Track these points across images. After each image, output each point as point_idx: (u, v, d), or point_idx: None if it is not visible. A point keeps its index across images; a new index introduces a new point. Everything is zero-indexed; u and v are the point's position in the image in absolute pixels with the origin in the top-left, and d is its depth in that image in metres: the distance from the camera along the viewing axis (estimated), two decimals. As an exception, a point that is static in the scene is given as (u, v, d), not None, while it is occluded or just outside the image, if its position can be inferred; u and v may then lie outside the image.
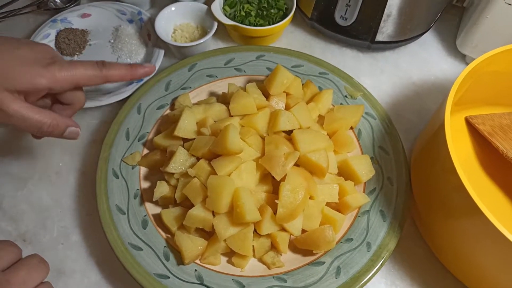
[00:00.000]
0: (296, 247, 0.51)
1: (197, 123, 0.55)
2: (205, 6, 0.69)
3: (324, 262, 0.49)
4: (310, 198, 0.50)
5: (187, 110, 0.54)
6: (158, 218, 0.52)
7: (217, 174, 0.48)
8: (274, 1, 0.70)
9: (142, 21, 0.71)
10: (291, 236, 0.50)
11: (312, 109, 0.57)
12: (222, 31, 0.73)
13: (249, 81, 0.62)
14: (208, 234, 0.50)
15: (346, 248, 0.50)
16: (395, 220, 0.51)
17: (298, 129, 0.53)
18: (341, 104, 0.61)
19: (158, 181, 0.52)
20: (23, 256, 0.42)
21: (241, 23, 0.68)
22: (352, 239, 0.51)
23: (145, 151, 0.57)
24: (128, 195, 0.53)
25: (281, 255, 0.50)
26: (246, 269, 0.49)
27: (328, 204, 0.51)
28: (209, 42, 0.70)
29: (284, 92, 0.58)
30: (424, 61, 0.72)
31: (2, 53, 0.45)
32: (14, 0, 0.76)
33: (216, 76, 0.63)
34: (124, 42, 0.69)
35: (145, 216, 0.52)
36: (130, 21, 0.72)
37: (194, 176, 0.49)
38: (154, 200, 0.51)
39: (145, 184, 0.55)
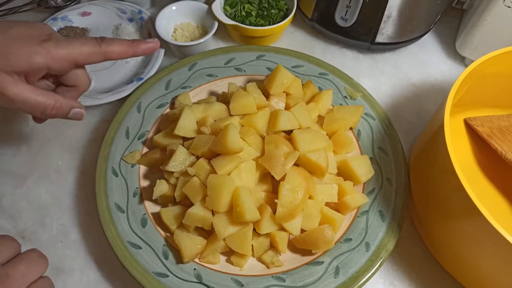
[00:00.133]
0: (295, 246, 0.51)
1: (197, 122, 0.55)
2: (206, 6, 0.69)
3: (323, 262, 0.49)
4: (310, 198, 0.50)
5: (187, 109, 0.54)
6: (157, 217, 0.52)
7: (216, 173, 0.48)
8: (275, 2, 0.70)
9: (142, 20, 0.71)
10: (290, 235, 0.50)
11: (312, 109, 0.57)
12: (223, 31, 0.73)
13: (249, 81, 0.62)
14: (208, 233, 0.50)
15: (345, 248, 0.50)
16: (394, 221, 0.51)
17: (298, 129, 0.54)
18: (340, 104, 0.61)
19: (157, 180, 0.52)
20: (22, 251, 0.42)
21: (242, 23, 0.68)
22: (351, 239, 0.51)
23: (145, 149, 0.57)
24: (128, 193, 0.53)
25: (280, 254, 0.50)
26: (245, 268, 0.49)
27: (327, 204, 0.51)
28: (210, 42, 0.70)
29: (284, 92, 0.59)
30: (423, 62, 0.72)
31: None
32: (15, -2, 0.77)
33: (216, 76, 0.63)
34: (125, 41, 0.69)
35: (144, 214, 0.52)
36: (131, 20, 0.72)
37: (194, 175, 0.49)
38: (153, 198, 0.51)
39: (144, 183, 0.55)
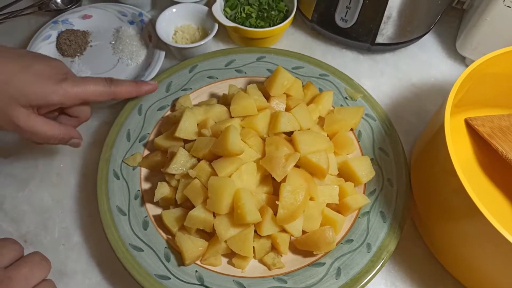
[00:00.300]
0: (296, 248, 0.51)
1: (197, 124, 0.55)
2: (206, 8, 0.69)
3: (324, 263, 0.49)
4: (311, 199, 0.50)
5: (188, 111, 0.55)
6: (159, 219, 0.52)
7: (217, 175, 0.48)
8: (275, 3, 0.70)
9: (143, 22, 0.72)
10: (292, 237, 0.50)
11: (312, 111, 0.57)
12: (223, 33, 0.73)
13: (249, 83, 0.62)
14: (209, 235, 0.50)
15: (346, 249, 0.50)
16: (395, 221, 0.51)
17: (299, 130, 0.54)
18: (341, 105, 0.61)
19: (159, 182, 0.52)
20: (24, 254, 0.42)
21: (242, 24, 0.68)
22: (352, 240, 0.51)
23: (146, 152, 0.58)
24: (129, 196, 0.53)
25: (281, 256, 0.50)
26: (246, 270, 0.50)
27: (328, 205, 0.51)
28: (210, 44, 0.70)
29: (284, 93, 0.59)
30: (424, 63, 0.72)
31: (20, 70, 0.46)
32: (16, 1, 0.77)
33: (217, 78, 0.64)
34: (125, 43, 0.69)
35: (146, 217, 0.52)
36: (131, 23, 0.73)
37: (195, 177, 0.50)
38: (155, 201, 0.51)
39: (146, 185, 0.55)
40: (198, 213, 0.48)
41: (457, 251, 0.47)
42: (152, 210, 0.53)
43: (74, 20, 0.72)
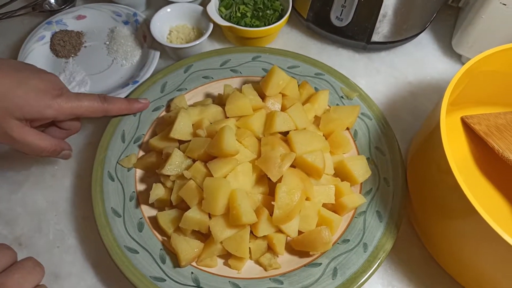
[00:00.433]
0: (292, 248, 0.50)
1: (193, 124, 0.55)
2: (201, 7, 0.69)
3: (320, 264, 0.49)
4: (307, 199, 0.50)
5: (183, 112, 0.54)
6: (154, 221, 0.52)
7: (213, 176, 0.48)
8: (270, 2, 0.70)
9: (137, 22, 0.71)
10: (288, 237, 0.50)
11: (308, 110, 0.57)
12: (218, 32, 0.73)
13: (245, 82, 0.62)
14: (205, 236, 0.50)
15: (342, 249, 0.50)
16: (391, 221, 0.51)
17: (294, 130, 0.53)
18: (337, 104, 0.61)
19: (154, 184, 0.52)
20: (18, 259, 0.42)
21: (237, 24, 0.67)
22: (348, 240, 0.51)
23: (141, 153, 0.57)
24: (124, 197, 0.53)
25: (277, 256, 0.50)
26: (242, 271, 0.49)
27: (324, 205, 0.51)
28: (205, 43, 0.70)
29: (280, 93, 0.58)
30: (419, 61, 0.72)
31: (16, 84, 0.47)
32: (9, 2, 0.76)
33: (212, 78, 0.63)
34: (120, 43, 0.69)
35: (141, 218, 0.52)
36: (126, 23, 0.72)
37: (190, 178, 0.49)
38: (150, 202, 0.51)
39: (141, 187, 0.55)
40: (194, 214, 0.48)
41: (453, 250, 0.47)
42: (147, 211, 0.53)
43: (68, 20, 0.72)
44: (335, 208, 0.52)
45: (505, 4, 0.58)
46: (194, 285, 0.48)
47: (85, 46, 0.71)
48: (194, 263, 0.49)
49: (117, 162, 0.55)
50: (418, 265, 0.53)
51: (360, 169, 0.54)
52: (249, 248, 0.49)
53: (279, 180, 0.48)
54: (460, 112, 0.60)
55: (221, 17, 0.68)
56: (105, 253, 0.49)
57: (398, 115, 0.65)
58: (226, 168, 0.48)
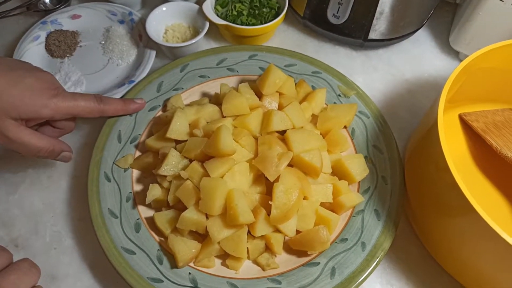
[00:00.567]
0: (290, 248, 0.50)
1: (189, 124, 0.54)
2: (197, 6, 0.68)
3: (319, 263, 0.49)
4: (304, 198, 0.49)
5: (179, 111, 0.54)
6: (151, 221, 0.51)
7: (210, 176, 0.48)
8: (266, 0, 0.70)
9: (133, 21, 0.71)
10: (286, 237, 0.50)
11: (305, 109, 0.57)
12: (214, 31, 0.72)
13: (241, 81, 0.61)
14: (202, 236, 0.50)
15: (341, 248, 0.50)
16: (389, 219, 0.51)
17: (291, 129, 0.53)
18: (334, 103, 0.61)
19: (150, 184, 0.51)
20: (14, 261, 0.41)
21: (233, 22, 0.67)
22: (346, 239, 0.50)
23: (138, 153, 0.57)
24: (121, 198, 0.53)
25: (275, 256, 0.50)
26: (240, 271, 0.49)
27: (322, 204, 0.51)
28: (201, 42, 0.70)
29: (277, 91, 0.58)
30: (417, 58, 0.71)
31: (11, 84, 0.47)
32: (3, 1, 0.76)
33: (209, 77, 0.63)
34: (115, 43, 0.69)
35: (138, 219, 0.52)
36: (121, 22, 0.72)
37: (187, 178, 0.49)
38: (146, 203, 0.51)
39: (137, 187, 0.55)
40: (191, 215, 0.47)
41: (452, 248, 0.47)
42: (144, 212, 0.53)
43: (63, 20, 0.71)
44: (333, 207, 0.52)
45: (502, 1, 0.58)
46: (191, 285, 0.47)
47: (80, 46, 0.70)
48: (191, 264, 0.49)
49: (113, 162, 0.55)
50: (416, 263, 0.53)
51: (358, 168, 0.54)
52: (247, 248, 0.49)
53: (277, 180, 0.48)
54: (458, 109, 0.60)
55: (217, 15, 0.67)
56: (102, 254, 0.49)
57: (396, 112, 0.65)
58: (223, 168, 0.48)
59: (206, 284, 0.48)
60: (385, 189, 0.53)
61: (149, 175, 0.55)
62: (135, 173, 0.55)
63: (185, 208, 0.48)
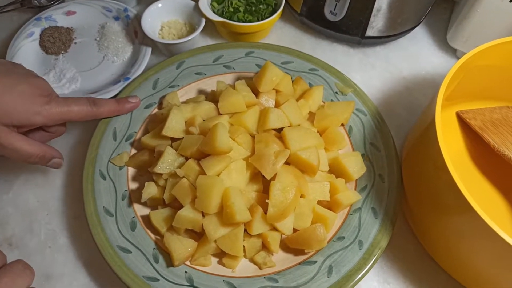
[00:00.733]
0: (287, 246, 0.50)
1: (185, 122, 0.54)
2: (193, 2, 0.68)
3: (315, 261, 0.49)
4: (301, 196, 0.49)
5: (175, 109, 0.53)
6: (147, 220, 0.51)
7: (206, 174, 0.47)
8: (263, -3, 0.69)
9: (128, 18, 0.70)
10: (282, 235, 0.49)
11: (302, 106, 0.56)
12: (211, 28, 0.72)
13: (238, 78, 0.61)
14: (198, 235, 0.49)
15: (338, 246, 0.49)
16: (386, 218, 0.51)
17: (288, 126, 0.53)
18: (331, 100, 0.60)
19: (146, 182, 0.51)
20: (9, 260, 0.41)
21: (230, 19, 0.67)
22: (344, 238, 0.50)
23: (133, 151, 0.56)
24: (116, 196, 0.52)
25: (272, 255, 0.50)
26: (237, 269, 0.49)
27: (319, 202, 0.51)
28: (197, 39, 0.69)
29: (273, 89, 0.58)
30: (414, 55, 0.71)
31: (4, 90, 0.47)
32: (-3, -2, 0.75)
33: (205, 74, 0.62)
34: (111, 39, 0.68)
35: (133, 217, 0.51)
36: (116, 18, 0.71)
37: (183, 177, 0.49)
38: (142, 201, 0.50)
39: (133, 185, 0.54)
40: (187, 213, 0.47)
41: (449, 246, 0.46)
42: (140, 210, 0.52)
43: (58, 16, 0.71)
44: (330, 205, 0.52)
45: (500, -2, 0.58)
46: (188, 284, 0.47)
47: (75, 43, 0.69)
48: (187, 262, 0.49)
49: (108, 160, 0.54)
50: (413, 261, 0.52)
51: (355, 166, 0.53)
52: (244, 246, 0.48)
53: (273, 178, 0.48)
54: (455, 107, 0.59)
55: (214, 12, 0.67)
56: (97, 253, 0.49)
57: (393, 110, 0.65)
58: (220, 166, 0.48)
59: (202, 282, 0.47)
60: (382, 187, 0.53)
61: (144, 173, 0.54)
62: (131, 171, 0.55)
63: (181, 206, 0.48)
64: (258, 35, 0.70)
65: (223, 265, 0.49)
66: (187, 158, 0.50)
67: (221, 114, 0.54)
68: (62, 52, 0.68)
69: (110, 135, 0.56)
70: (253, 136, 0.52)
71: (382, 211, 0.51)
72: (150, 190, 0.50)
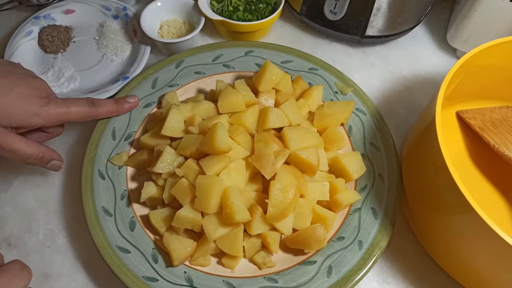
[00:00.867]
0: (287, 246, 0.50)
1: (184, 121, 0.54)
2: (192, 1, 0.67)
3: (315, 262, 0.48)
4: (301, 196, 0.49)
5: (175, 108, 0.53)
6: (146, 220, 0.51)
7: (205, 174, 0.47)
8: (263, -4, 0.69)
9: (127, 17, 0.70)
10: (282, 235, 0.49)
11: (302, 106, 0.56)
12: (210, 27, 0.71)
13: (237, 78, 0.61)
14: (198, 235, 0.49)
15: (337, 246, 0.49)
16: (386, 218, 0.51)
17: (288, 126, 0.53)
18: (331, 100, 0.60)
19: (145, 182, 0.51)
20: (7, 260, 0.41)
21: (229, 18, 0.66)
22: (343, 238, 0.50)
23: (132, 150, 0.56)
24: (115, 196, 0.52)
25: (272, 255, 0.50)
26: (236, 270, 0.49)
27: (319, 202, 0.51)
28: (197, 38, 0.69)
29: (273, 88, 0.57)
30: (414, 55, 0.71)
31: (2, 92, 0.47)
32: (-5, -4, 0.74)
33: (204, 73, 0.62)
34: (110, 38, 0.68)
35: (132, 217, 0.51)
36: (115, 17, 0.71)
37: (182, 176, 0.48)
38: (141, 201, 0.50)
39: (132, 185, 0.54)
40: (186, 213, 0.47)
41: (449, 246, 0.46)
42: (139, 210, 0.52)
43: (56, 15, 0.70)
44: (330, 205, 0.51)
45: (501, -3, 0.58)
46: (187, 284, 0.47)
47: (74, 41, 0.69)
48: (187, 263, 0.48)
49: (107, 160, 0.54)
50: (413, 261, 0.52)
51: (355, 166, 0.53)
52: (243, 246, 0.48)
53: (273, 178, 0.48)
54: (455, 107, 0.59)
55: (213, 11, 0.67)
56: (96, 253, 0.48)
57: (393, 109, 0.65)
58: (219, 165, 0.47)
59: (201, 283, 0.47)
60: (382, 187, 0.53)
61: (144, 172, 0.54)
62: (130, 170, 0.55)
63: (180, 206, 0.47)
64: (258, 34, 0.70)
65: (223, 265, 0.49)
66: (186, 158, 0.50)
67: (221, 114, 0.54)
68: (61, 51, 0.68)
69: (109, 134, 0.56)
70: (252, 136, 0.52)
71: (382, 211, 0.51)
72: (149, 189, 0.50)
